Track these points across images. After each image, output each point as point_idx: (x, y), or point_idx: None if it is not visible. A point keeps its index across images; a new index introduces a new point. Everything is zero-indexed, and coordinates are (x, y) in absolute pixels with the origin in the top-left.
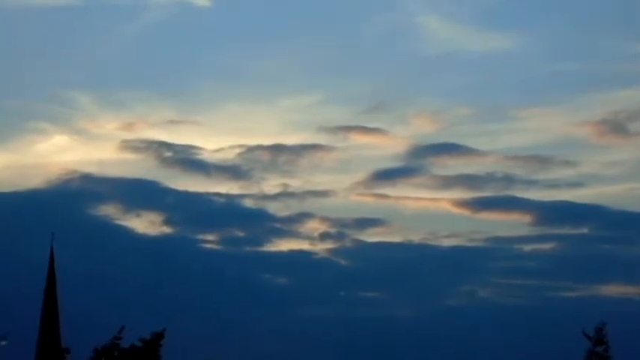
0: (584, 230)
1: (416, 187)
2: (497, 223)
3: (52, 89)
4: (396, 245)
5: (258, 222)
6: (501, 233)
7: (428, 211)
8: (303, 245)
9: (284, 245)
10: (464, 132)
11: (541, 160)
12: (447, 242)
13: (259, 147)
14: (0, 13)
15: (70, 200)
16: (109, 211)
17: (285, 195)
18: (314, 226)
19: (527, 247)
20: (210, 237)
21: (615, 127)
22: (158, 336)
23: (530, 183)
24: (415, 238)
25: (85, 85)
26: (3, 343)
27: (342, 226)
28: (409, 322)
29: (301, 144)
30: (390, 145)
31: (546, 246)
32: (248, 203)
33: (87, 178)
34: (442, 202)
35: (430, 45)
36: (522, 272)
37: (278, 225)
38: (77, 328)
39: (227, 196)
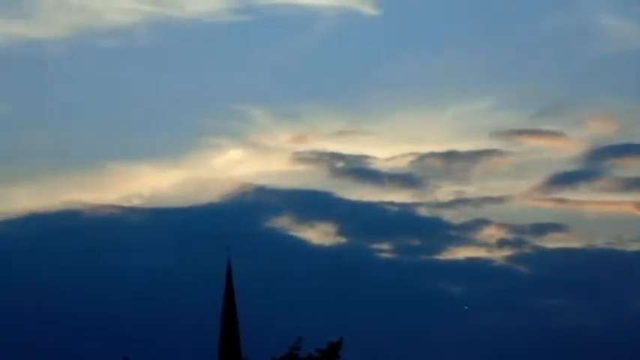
0: None
1: (596, 190)
2: None
3: (226, 104)
4: (579, 251)
5: (433, 230)
6: None
7: (610, 215)
8: (480, 253)
9: (460, 253)
10: None
11: None
12: (633, 247)
13: (432, 154)
14: (174, 30)
15: (245, 213)
16: (283, 222)
17: (460, 202)
18: (491, 233)
19: None
20: (384, 246)
21: None
22: (335, 346)
23: None
24: (598, 242)
25: (258, 99)
26: None
27: (520, 233)
28: (594, 331)
29: (475, 150)
30: (566, 148)
31: None
32: (422, 211)
33: (261, 190)
34: (625, 205)
35: (606, 44)
36: None
37: (453, 233)
38: (256, 338)
39: (401, 204)
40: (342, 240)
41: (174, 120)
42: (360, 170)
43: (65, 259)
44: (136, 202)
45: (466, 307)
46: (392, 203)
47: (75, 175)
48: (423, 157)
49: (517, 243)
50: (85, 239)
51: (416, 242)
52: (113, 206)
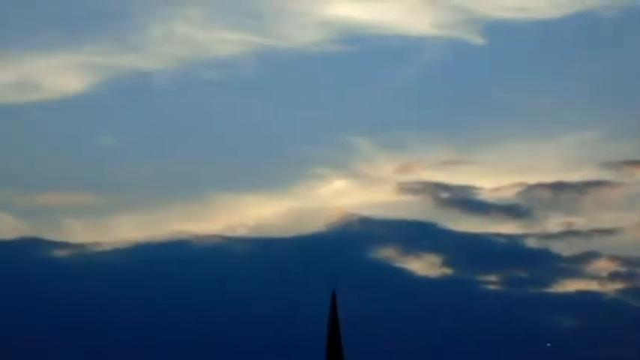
0: None
1: None
2: None
3: (331, 135)
4: None
5: (541, 262)
6: None
7: None
8: (591, 286)
9: (570, 286)
10: None
11: None
12: None
13: (540, 185)
14: (279, 61)
15: (349, 243)
16: (388, 253)
17: (569, 234)
18: (602, 266)
19: None
20: (491, 278)
21: None
22: None
23: None
24: None
25: (363, 129)
26: None
27: (632, 265)
28: None
29: (584, 180)
30: None
31: None
32: (530, 243)
33: (366, 221)
34: None
35: None
36: None
37: (563, 265)
38: None
39: (508, 236)
40: (447, 271)
41: (279, 151)
42: (465, 201)
43: (171, 288)
44: (241, 232)
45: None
46: (499, 234)
47: (181, 206)
48: (530, 188)
49: (629, 276)
50: (190, 269)
51: (524, 274)
52: (218, 236)
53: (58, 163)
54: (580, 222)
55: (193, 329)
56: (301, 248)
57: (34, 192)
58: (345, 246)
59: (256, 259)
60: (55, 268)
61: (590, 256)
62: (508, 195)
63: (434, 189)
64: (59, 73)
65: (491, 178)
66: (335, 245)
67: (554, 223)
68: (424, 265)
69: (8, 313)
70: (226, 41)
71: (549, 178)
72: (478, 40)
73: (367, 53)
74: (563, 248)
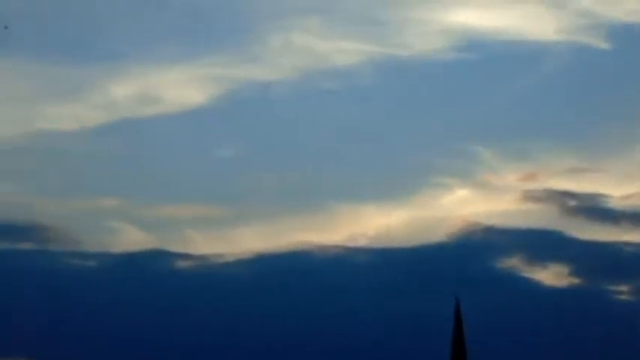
0: None
1: None
2: None
3: (454, 143)
4: None
5: None
6: None
7: None
8: None
9: None
10: None
11: None
12: None
13: None
14: (398, 69)
15: (473, 253)
16: (513, 263)
17: None
18: None
19: None
20: (622, 288)
21: None
22: None
23: None
24: None
25: (486, 138)
26: None
27: None
28: None
29: None
30: None
31: None
32: None
33: (490, 230)
34: None
35: None
36: None
37: None
38: None
39: (638, 245)
40: (575, 281)
41: (401, 160)
42: (593, 209)
43: (292, 299)
44: (362, 242)
45: None
46: (629, 243)
47: (302, 216)
48: None
49: None
50: (312, 279)
51: None
52: (339, 246)
53: (179, 176)
54: None
55: (316, 339)
56: (423, 258)
57: (156, 204)
58: (469, 255)
59: (378, 269)
60: (178, 279)
61: None
62: (638, 203)
63: (560, 197)
64: (180, 86)
65: (621, 186)
66: (458, 255)
67: None
68: (550, 275)
69: (132, 324)
70: (345, 50)
71: None
72: (603, 44)
73: (489, 60)
74: None
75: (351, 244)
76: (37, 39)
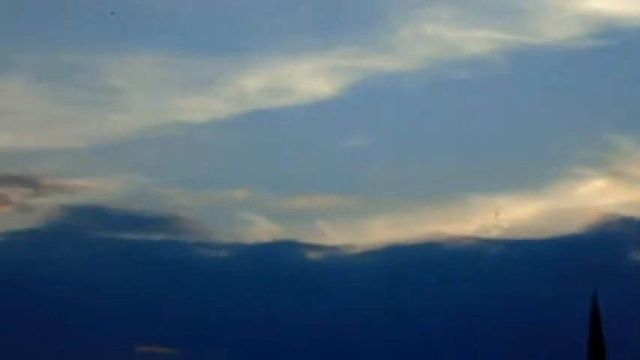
0: None
1: None
2: None
3: (589, 133)
4: None
5: None
6: None
7: None
8: None
9: None
10: None
11: None
12: None
13: None
14: (532, 57)
15: (610, 245)
16: None
17: None
18: None
19: None
20: None
21: None
22: None
23: None
24: None
25: (623, 127)
26: None
27: None
28: None
29: None
30: None
31: None
32: None
33: (627, 222)
34: None
35: None
36: None
37: None
38: None
39: None
40: None
41: (534, 150)
42: None
43: (424, 291)
44: (495, 234)
45: None
46: None
47: (434, 207)
48: None
49: None
50: (443, 271)
51: None
52: (471, 237)
53: (310, 167)
54: None
55: (449, 330)
56: (558, 250)
57: (287, 195)
58: (605, 247)
59: (511, 261)
60: (309, 270)
61: None
62: None
63: None
64: (310, 77)
65: None
66: (594, 246)
67: None
68: None
69: (264, 314)
70: (477, 39)
71: None
72: None
73: (627, 47)
74: None
75: (484, 235)
76: (169, 32)
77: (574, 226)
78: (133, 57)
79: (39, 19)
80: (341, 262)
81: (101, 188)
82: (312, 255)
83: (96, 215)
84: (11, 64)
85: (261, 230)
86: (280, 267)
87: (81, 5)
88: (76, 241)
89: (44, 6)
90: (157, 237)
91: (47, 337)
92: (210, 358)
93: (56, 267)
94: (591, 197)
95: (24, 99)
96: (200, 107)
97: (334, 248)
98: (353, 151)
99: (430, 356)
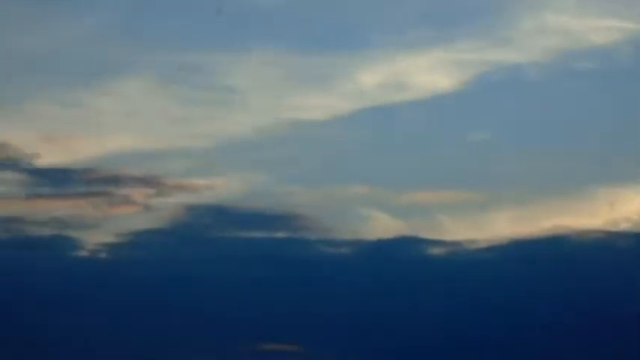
0: None
1: None
2: None
3: None
4: None
5: None
6: None
7: None
8: None
9: None
10: None
11: None
12: None
13: None
14: None
15: None
16: None
17: None
18: None
19: None
20: None
21: None
22: None
23: None
24: None
25: None
26: None
27: None
28: None
29: None
30: None
31: None
32: None
33: None
34: None
35: None
36: None
37: None
38: None
39: None
40: None
41: None
42: None
43: (549, 285)
44: (624, 227)
45: None
46: None
47: (558, 200)
48: None
49: None
50: (570, 265)
51: None
52: (599, 231)
53: (431, 162)
54: None
55: (574, 326)
56: None
57: (407, 191)
58: None
59: None
60: (430, 265)
61: None
62: None
63: None
64: (429, 72)
65: None
66: None
67: None
68: None
69: (385, 311)
70: (601, 29)
71: None
72: None
73: None
74: None
75: (612, 228)
76: (285, 29)
77: None
78: (251, 55)
79: (158, 20)
80: (464, 257)
81: (223, 187)
82: (434, 250)
83: (219, 214)
84: (132, 65)
85: (382, 226)
86: (402, 263)
87: (197, 5)
88: (199, 239)
89: (163, 7)
90: (279, 235)
91: (172, 336)
92: (333, 355)
93: (181, 266)
94: None
95: (144, 100)
96: (318, 104)
97: (456, 243)
98: (474, 145)
99: (560, 354)
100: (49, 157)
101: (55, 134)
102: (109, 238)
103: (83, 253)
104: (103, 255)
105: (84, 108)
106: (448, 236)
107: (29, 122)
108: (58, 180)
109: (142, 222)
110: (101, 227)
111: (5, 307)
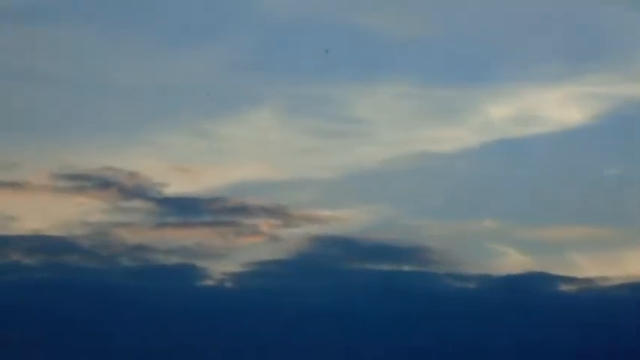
0: None
1: None
2: None
3: None
4: None
5: None
6: None
7: None
8: None
9: None
10: None
11: None
12: None
13: None
14: None
15: None
16: None
17: None
18: None
19: None
20: None
21: None
22: None
23: None
24: None
25: None
26: None
27: None
28: None
29: None
30: None
31: None
32: None
33: None
34: None
35: None
36: None
37: None
38: None
39: None
40: None
41: None
42: None
43: None
44: None
45: None
46: None
47: None
48: None
49: None
50: None
51: None
52: None
53: (561, 197)
54: None
55: None
56: None
57: (538, 226)
58: None
59: None
60: (561, 302)
61: None
62: None
63: None
64: (559, 105)
65: None
66: None
67: None
68: None
69: (509, 345)
70: None
71: None
72: None
73: None
74: None
75: None
76: (417, 62)
77: None
78: (379, 88)
79: (286, 52)
80: (596, 294)
81: (350, 219)
82: (564, 287)
83: (345, 246)
84: (261, 96)
85: (511, 261)
86: (532, 298)
87: (325, 39)
88: (325, 271)
89: (292, 40)
90: (406, 267)
91: None
92: None
93: (306, 297)
94: None
95: (273, 130)
96: (447, 137)
97: (588, 280)
98: (608, 179)
99: None
100: (177, 187)
101: (183, 164)
102: (235, 268)
103: (209, 282)
104: (229, 284)
105: (212, 138)
106: (579, 273)
107: (159, 152)
108: (185, 209)
109: (268, 252)
110: (227, 257)
111: (133, 335)
